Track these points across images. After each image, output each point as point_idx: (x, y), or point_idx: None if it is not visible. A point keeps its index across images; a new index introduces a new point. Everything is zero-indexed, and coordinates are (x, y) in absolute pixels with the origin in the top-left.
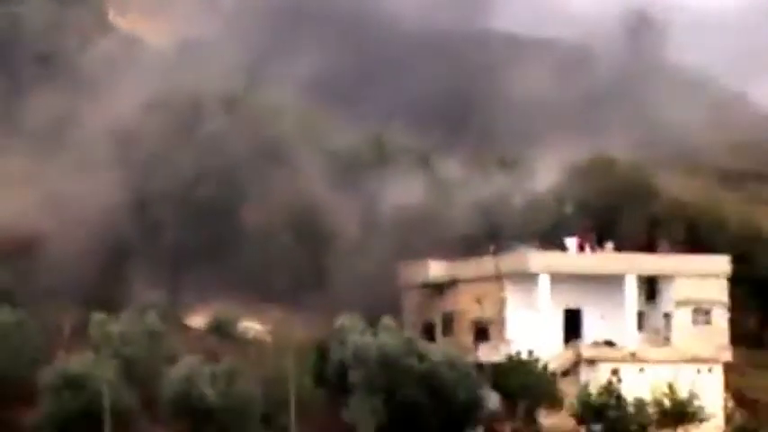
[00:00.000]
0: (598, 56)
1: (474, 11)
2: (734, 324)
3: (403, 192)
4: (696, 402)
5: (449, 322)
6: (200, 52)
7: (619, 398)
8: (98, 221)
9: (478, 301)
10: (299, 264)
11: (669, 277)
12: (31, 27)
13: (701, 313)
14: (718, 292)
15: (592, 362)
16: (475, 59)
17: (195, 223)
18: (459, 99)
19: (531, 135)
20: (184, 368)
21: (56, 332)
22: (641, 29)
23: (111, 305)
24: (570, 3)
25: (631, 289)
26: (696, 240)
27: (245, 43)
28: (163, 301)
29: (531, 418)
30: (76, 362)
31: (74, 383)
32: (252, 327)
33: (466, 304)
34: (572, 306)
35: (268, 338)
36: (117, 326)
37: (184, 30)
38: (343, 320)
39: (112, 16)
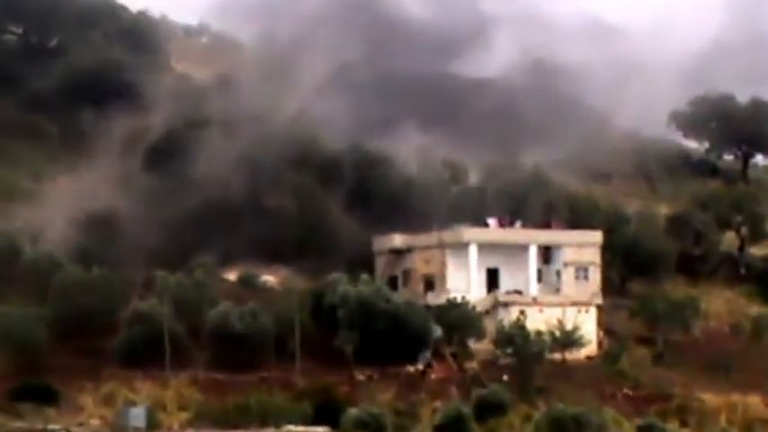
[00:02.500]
0: (522, 92)
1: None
2: (604, 278)
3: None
4: (577, 333)
5: (407, 277)
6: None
7: (524, 330)
8: (161, 207)
9: (427, 262)
10: (303, 235)
11: (559, 246)
12: (115, 66)
13: (581, 271)
14: (593, 256)
15: (506, 305)
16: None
17: (230, 208)
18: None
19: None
20: (221, 309)
21: (131, 283)
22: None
23: (170, 265)
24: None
25: (533, 254)
26: (578, 220)
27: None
28: (207, 262)
29: (463, 344)
30: (145, 304)
31: (143, 320)
32: (268, 280)
33: (419, 264)
34: (492, 266)
35: (279, 288)
36: (174, 279)
37: (219, 70)
38: (334, 275)
39: (173, 61)
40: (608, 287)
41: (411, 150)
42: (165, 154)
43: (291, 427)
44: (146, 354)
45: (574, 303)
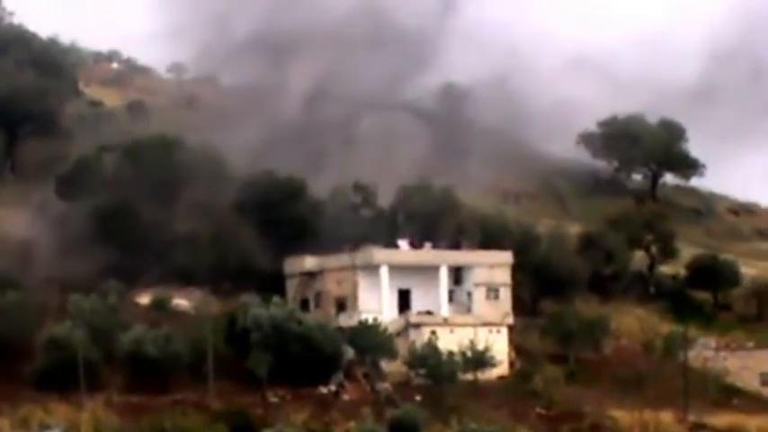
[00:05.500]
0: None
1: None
2: (515, 299)
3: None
4: (489, 353)
5: (319, 299)
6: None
7: (436, 350)
8: (75, 232)
9: (339, 284)
10: (215, 258)
11: (470, 267)
12: (26, 93)
13: (492, 291)
14: (504, 276)
15: (417, 326)
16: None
17: (143, 232)
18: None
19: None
20: (134, 333)
21: (45, 308)
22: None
23: (83, 289)
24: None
25: (444, 275)
26: (488, 240)
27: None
28: (119, 287)
29: (375, 365)
30: (59, 329)
31: (58, 344)
32: (181, 303)
33: (331, 286)
34: (404, 287)
35: (192, 312)
36: (87, 303)
37: (130, 96)
38: (246, 298)
39: (81, 86)
40: (519, 307)
41: (325, 173)
42: (78, 179)
43: None
44: (61, 377)
45: (485, 324)
